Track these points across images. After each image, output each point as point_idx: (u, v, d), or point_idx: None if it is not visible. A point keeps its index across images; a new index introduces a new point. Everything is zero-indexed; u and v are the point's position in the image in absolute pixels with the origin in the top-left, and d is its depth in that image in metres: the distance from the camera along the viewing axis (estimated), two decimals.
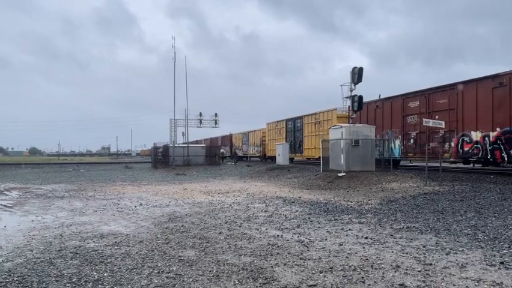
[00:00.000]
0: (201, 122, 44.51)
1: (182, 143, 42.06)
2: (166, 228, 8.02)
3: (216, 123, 45.51)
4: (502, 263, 5.17)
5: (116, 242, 6.84)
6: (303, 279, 4.72)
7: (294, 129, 31.83)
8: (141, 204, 11.85)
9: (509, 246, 5.98)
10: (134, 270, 5.15)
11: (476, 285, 4.42)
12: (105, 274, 5.02)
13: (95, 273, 5.05)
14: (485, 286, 4.38)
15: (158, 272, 5.07)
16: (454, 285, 4.43)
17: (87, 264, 5.46)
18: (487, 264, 5.14)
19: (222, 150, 45.47)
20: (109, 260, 5.65)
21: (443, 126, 15.49)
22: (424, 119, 15.78)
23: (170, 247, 6.39)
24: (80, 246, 6.52)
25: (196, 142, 62.82)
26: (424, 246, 6.14)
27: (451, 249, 5.95)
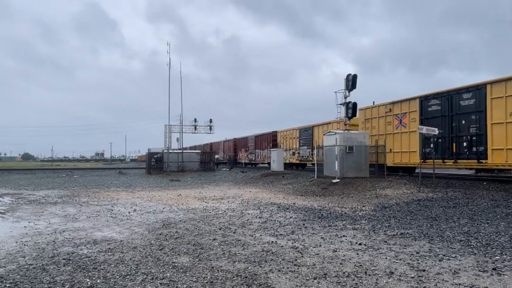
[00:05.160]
0: (195, 128, 44.52)
1: (177, 149, 41.91)
2: (160, 234, 7.99)
3: (210, 129, 45.58)
4: (494, 269, 5.21)
5: (109, 248, 6.81)
6: (297, 286, 4.72)
7: (449, 114, 16.33)
8: (135, 210, 11.80)
9: (502, 253, 6.03)
10: (128, 277, 5.13)
11: None
12: (98, 281, 4.99)
13: (88, 280, 5.01)
14: None
15: (152, 279, 5.05)
16: None
17: (80, 271, 5.42)
18: (479, 270, 5.17)
19: (217, 156, 45.24)
20: (102, 267, 5.61)
21: (437, 133, 15.54)
22: (419, 126, 15.85)
23: (164, 253, 6.37)
24: (73, 253, 6.48)
25: (211, 146, 56.33)
26: (418, 253, 6.17)
27: (444, 255, 5.98)
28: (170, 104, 63.78)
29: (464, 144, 15.56)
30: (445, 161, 16.34)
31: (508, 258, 5.73)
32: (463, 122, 15.71)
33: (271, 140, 36.59)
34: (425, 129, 15.24)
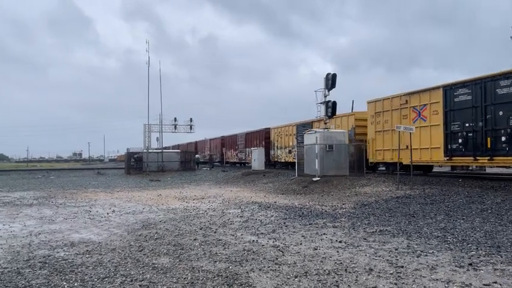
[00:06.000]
0: (175, 127, 44.10)
1: (157, 148, 41.38)
2: (140, 235, 7.88)
3: (191, 128, 45.18)
4: (470, 264, 5.33)
5: (87, 250, 6.67)
6: (278, 285, 4.73)
7: (481, 104, 14.13)
8: (114, 211, 11.61)
9: (477, 248, 6.18)
10: (106, 279, 5.03)
11: (446, 286, 4.54)
12: (75, 284, 4.88)
13: (65, 283, 4.90)
14: (455, 287, 4.51)
15: (132, 281, 4.97)
16: (424, 287, 4.53)
17: (56, 274, 5.30)
18: (456, 266, 5.29)
19: (197, 156, 44.92)
20: (79, 269, 5.49)
21: (413, 130, 15.80)
22: (396, 125, 16.10)
23: (144, 254, 6.28)
24: (49, 256, 6.32)
25: (196, 145, 53.64)
26: (396, 249, 6.27)
27: (422, 251, 6.10)
28: (149, 103, 62.82)
29: (503, 138, 13.41)
30: (477, 158, 14.27)
31: (484, 253, 5.88)
32: (501, 113, 13.53)
33: (263, 137, 33.79)
34: (402, 128, 15.51)
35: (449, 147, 15.33)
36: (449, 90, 15.47)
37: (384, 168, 18.19)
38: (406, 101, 17.58)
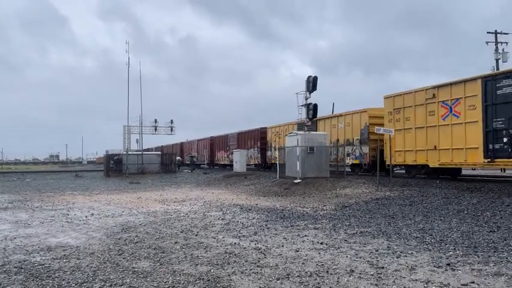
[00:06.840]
0: (156, 129, 43.64)
1: (136, 150, 40.83)
2: (119, 238, 7.75)
3: (171, 130, 44.78)
4: (448, 264, 5.44)
5: (65, 254, 6.52)
6: (260, 287, 4.72)
7: None
8: (92, 214, 11.39)
9: (455, 248, 6.32)
10: (85, 284, 4.93)
11: (425, 286, 4.62)
12: None
13: None
14: (434, 287, 4.58)
15: (111, 285, 4.87)
16: (404, 287, 4.60)
17: (33, 280, 5.15)
18: (434, 266, 5.39)
19: (178, 158, 44.52)
20: (56, 274, 5.36)
21: (393, 133, 16.05)
22: (376, 127, 16.30)
23: (124, 258, 6.18)
24: (25, 261, 6.14)
25: (182, 146, 52.01)
26: (377, 250, 6.34)
27: (401, 252, 6.19)
28: (129, 104, 61.77)
29: None
30: None
31: (461, 253, 6.01)
32: None
33: (258, 137, 31.76)
34: (382, 130, 15.73)
35: (491, 147, 13.30)
36: (490, 81, 13.41)
37: (403, 171, 16.63)
38: (433, 95, 15.51)
